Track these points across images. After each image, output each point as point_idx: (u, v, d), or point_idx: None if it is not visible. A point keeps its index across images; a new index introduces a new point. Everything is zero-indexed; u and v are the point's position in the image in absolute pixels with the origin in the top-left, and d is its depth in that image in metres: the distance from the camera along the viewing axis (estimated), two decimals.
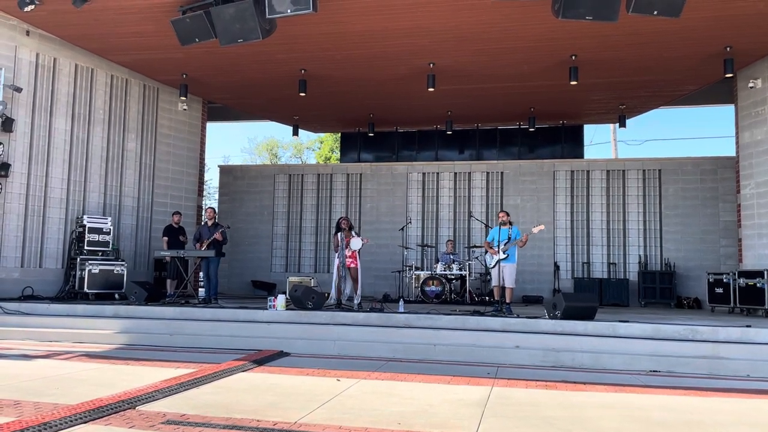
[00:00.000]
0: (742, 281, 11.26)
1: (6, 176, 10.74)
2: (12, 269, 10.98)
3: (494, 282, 10.06)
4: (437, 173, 16.03)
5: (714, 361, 7.25)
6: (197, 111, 14.77)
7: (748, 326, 7.92)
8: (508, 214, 10.13)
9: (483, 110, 15.29)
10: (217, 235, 10.94)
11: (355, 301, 10.22)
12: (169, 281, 12.11)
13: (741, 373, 7.00)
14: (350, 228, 10.58)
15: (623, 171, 15.11)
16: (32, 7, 9.66)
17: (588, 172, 15.30)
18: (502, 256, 9.75)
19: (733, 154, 13.05)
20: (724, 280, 11.82)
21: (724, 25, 9.91)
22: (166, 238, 11.98)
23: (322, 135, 30.02)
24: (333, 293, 10.38)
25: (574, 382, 6.12)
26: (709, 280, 12.26)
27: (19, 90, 10.88)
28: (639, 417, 4.70)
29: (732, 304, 11.57)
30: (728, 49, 10.73)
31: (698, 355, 7.37)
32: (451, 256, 13.52)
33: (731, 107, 12.84)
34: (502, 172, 15.69)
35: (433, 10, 9.66)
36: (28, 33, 11.15)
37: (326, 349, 8.07)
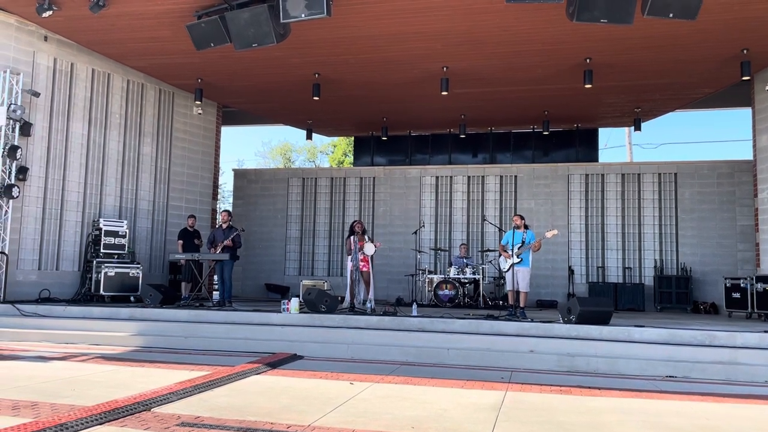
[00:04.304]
0: (759, 286, 11.11)
1: (24, 180, 10.87)
2: (29, 272, 11.11)
3: (508, 286, 10.01)
4: (450, 177, 16.01)
5: (731, 366, 7.16)
6: (212, 115, 14.88)
7: (766, 332, 7.82)
8: (522, 218, 10.09)
9: (496, 113, 15.25)
10: (228, 242, 10.97)
11: (369, 305, 10.23)
12: (183, 284, 12.20)
13: (759, 379, 6.92)
14: (363, 232, 10.57)
15: (638, 174, 15.00)
16: (50, 13, 9.78)
17: (603, 175, 15.20)
18: (515, 260, 9.71)
19: (750, 157, 12.91)
20: (742, 285, 11.67)
21: (740, 27, 9.81)
22: (181, 241, 12.06)
23: (336, 139, 30.14)
24: (347, 297, 10.40)
25: (590, 387, 6.07)
26: (726, 284, 12.10)
27: (37, 95, 11.02)
28: (655, 423, 4.65)
29: (750, 309, 11.41)
30: (745, 51, 10.62)
31: (715, 361, 7.28)
32: (465, 260, 13.47)
33: (748, 110, 12.72)
34: (515, 176, 15.64)
35: (446, 14, 9.66)
36: (46, 38, 11.29)
37: (339, 352, 8.07)
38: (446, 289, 12.78)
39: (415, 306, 10.16)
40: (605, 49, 10.75)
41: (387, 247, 14.94)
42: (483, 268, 13.55)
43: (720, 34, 10.08)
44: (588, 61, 11.17)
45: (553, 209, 15.27)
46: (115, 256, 11.68)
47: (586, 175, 15.27)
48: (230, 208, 17.39)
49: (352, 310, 10.00)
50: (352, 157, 19.06)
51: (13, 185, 10.46)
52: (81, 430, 4.05)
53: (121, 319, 9.58)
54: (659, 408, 5.23)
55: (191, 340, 8.65)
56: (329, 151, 33.12)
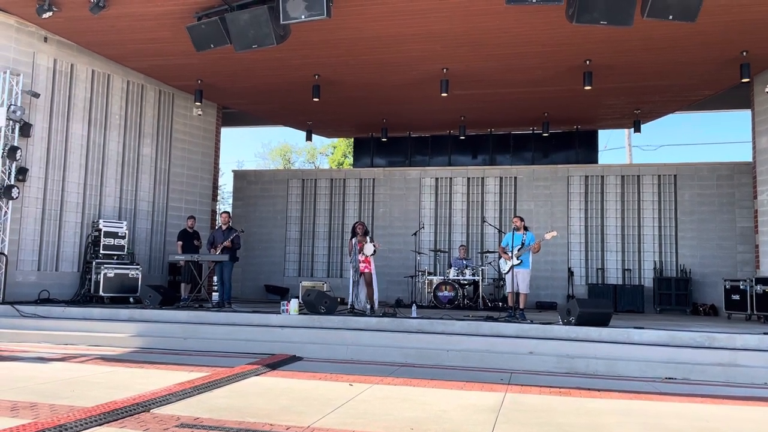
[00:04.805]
0: (759, 288, 11.12)
1: (24, 180, 10.87)
2: (29, 273, 11.10)
3: (508, 288, 10.02)
4: (450, 178, 16.01)
5: (731, 368, 7.16)
6: (212, 116, 14.89)
7: (765, 333, 7.82)
8: (522, 219, 10.08)
9: (496, 115, 15.26)
10: (227, 243, 10.97)
11: (369, 306, 10.22)
12: (183, 285, 12.18)
13: (758, 380, 6.91)
14: (365, 233, 10.56)
15: (638, 176, 15.01)
16: (50, 14, 9.79)
17: (602, 177, 15.21)
18: (515, 261, 9.71)
19: (749, 159, 12.92)
20: (741, 287, 11.67)
21: (740, 29, 9.82)
22: (180, 242, 12.06)
23: (335, 140, 30.13)
24: (349, 298, 10.40)
25: (589, 389, 6.07)
26: (725, 286, 12.10)
27: (36, 95, 11.02)
28: (655, 424, 4.65)
29: (749, 311, 11.41)
30: (744, 53, 10.64)
31: (714, 363, 7.28)
32: (464, 262, 13.47)
33: (748, 112, 12.73)
34: (515, 177, 15.65)
35: (445, 16, 9.67)
36: (46, 39, 11.30)
37: (339, 353, 8.06)
38: (446, 290, 12.78)
39: (414, 307, 10.16)
40: (605, 51, 10.76)
41: (387, 249, 14.94)
42: (482, 269, 13.55)
43: (720, 36, 10.09)
44: (587, 62, 11.18)
45: (553, 211, 15.28)
46: (115, 257, 11.68)
47: (586, 177, 15.28)
48: (230, 210, 17.42)
49: (352, 311, 9.99)
50: (352, 158, 19.07)
51: (12, 186, 10.46)
52: (80, 430, 4.05)
53: (120, 320, 9.57)
54: (659, 410, 5.23)
55: (190, 342, 8.64)
56: (329, 152, 33.13)
